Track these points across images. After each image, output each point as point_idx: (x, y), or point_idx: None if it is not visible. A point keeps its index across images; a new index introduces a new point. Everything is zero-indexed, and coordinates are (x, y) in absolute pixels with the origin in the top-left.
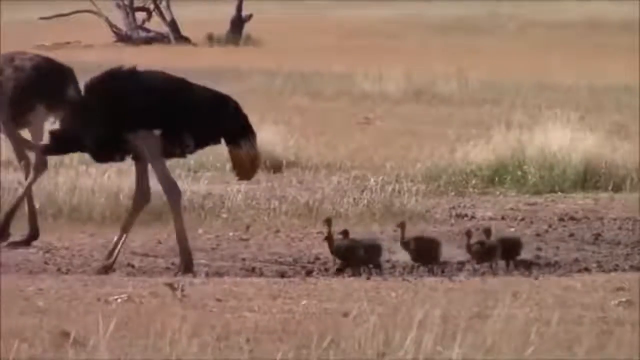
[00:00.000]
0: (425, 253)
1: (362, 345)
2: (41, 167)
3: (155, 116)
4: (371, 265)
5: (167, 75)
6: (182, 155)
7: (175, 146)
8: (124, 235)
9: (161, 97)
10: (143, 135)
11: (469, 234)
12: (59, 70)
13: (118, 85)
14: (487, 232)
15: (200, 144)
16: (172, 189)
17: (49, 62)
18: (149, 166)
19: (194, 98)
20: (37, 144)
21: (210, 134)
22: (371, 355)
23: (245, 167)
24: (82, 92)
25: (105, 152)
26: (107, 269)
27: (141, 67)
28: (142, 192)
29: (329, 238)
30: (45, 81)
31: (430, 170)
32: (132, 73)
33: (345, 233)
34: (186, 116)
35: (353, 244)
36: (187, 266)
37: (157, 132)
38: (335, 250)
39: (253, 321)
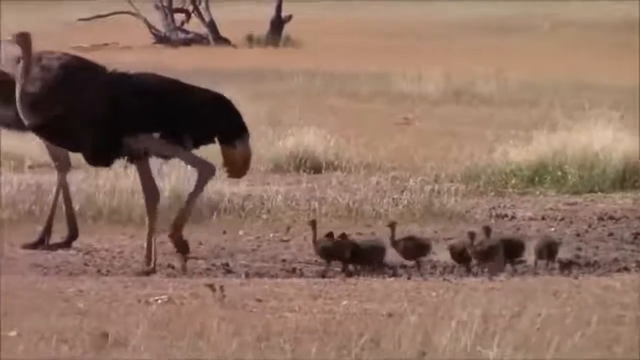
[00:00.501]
0: (415, 253)
1: (402, 345)
2: (65, 166)
3: (154, 119)
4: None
5: (161, 77)
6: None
7: (173, 147)
8: (153, 238)
9: (159, 100)
10: (143, 138)
11: (472, 235)
12: (90, 69)
13: (115, 89)
14: (487, 230)
15: (197, 144)
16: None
17: (78, 61)
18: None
19: (190, 99)
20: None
21: (207, 134)
22: (411, 355)
23: (238, 166)
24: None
25: (101, 155)
26: (149, 274)
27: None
28: (150, 192)
29: (314, 239)
30: (74, 80)
31: (469, 171)
32: (126, 76)
33: (330, 235)
34: (184, 117)
35: (337, 245)
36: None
37: (156, 134)
38: (320, 252)
39: (294, 321)
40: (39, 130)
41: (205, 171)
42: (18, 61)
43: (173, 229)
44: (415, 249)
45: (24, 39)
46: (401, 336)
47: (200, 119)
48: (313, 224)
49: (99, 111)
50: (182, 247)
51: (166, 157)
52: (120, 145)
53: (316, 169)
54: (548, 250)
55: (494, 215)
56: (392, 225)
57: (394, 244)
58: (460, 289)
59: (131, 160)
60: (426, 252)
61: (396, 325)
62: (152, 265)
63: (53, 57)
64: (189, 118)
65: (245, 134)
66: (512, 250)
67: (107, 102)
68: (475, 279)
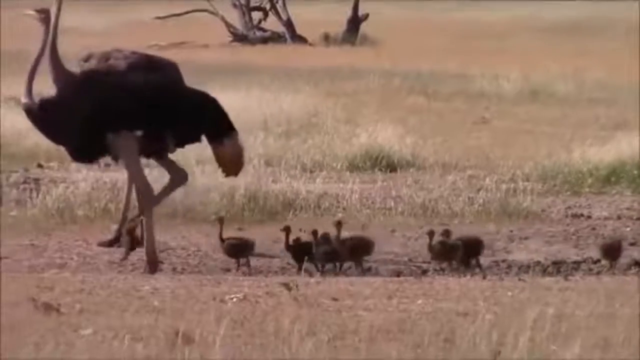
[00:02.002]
0: (359, 252)
1: (477, 344)
2: None
3: (136, 117)
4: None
5: (145, 75)
6: (163, 154)
7: (156, 146)
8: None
9: (142, 98)
10: (125, 136)
11: (430, 234)
12: (159, 67)
13: (98, 85)
14: (447, 233)
15: (181, 142)
16: (146, 190)
17: (147, 59)
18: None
19: (174, 98)
20: None
21: (191, 133)
22: (486, 354)
23: (230, 164)
24: (61, 90)
25: (84, 151)
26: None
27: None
28: (143, 186)
29: (286, 240)
30: (142, 79)
31: (546, 170)
32: (110, 74)
33: (314, 233)
34: (167, 116)
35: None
36: (152, 267)
37: (138, 132)
38: (289, 248)
39: (369, 320)
40: (28, 113)
41: (178, 178)
42: (86, 60)
43: (130, 225)
44: (360, 248)
45: (45, 16)
46: (476, 335)
47: (183, 118)
48: (286, 229)
49: (84, 107)
50: (132, 245)
51: (148, 157)
52: (104, 142)
53: (392, 167)
54: (613, 251)
55: (570, 215)
56: (338, 224)
57: (341, 243)
58: (535, 288)
59: (116, 158)
60: (371, 251)
61: (471, 324)
62: (156, 267)
63: (121, 55)
64: (171, 117)
65: (233, 132)
66: (472, 249)
67: (91, 98)
68: (550, 278)
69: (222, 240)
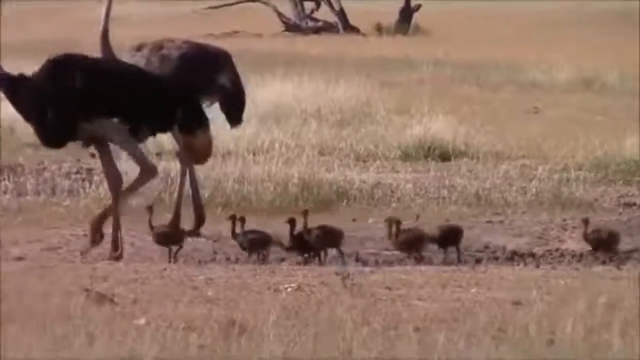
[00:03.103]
0: (328, 242)
1: (530, 333)
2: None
3: (111, 104)
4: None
5: (122, 63)
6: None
7: (130, 133)
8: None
9: (117, 86)
10: (100, 123)
11: (396, 222)
12: (211, 57)
13: (73, 71)
14: (396, 221)
15: (154, 132)
16: (115, 176)
17: (200, 49)
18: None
19: (149, 87)
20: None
21: (164, 123)
22: (539, 343)
23: (200, 153)
24: (39, 74)
25: (53, 136)
26: (117, 259)
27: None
28: (113, 176)
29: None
30: (194, 69)
31: (598, 159)
32: (85, 60)
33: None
34: (141, 105)
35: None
36: (117, 255)
37: (114, 120)
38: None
39: (422, 309)
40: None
41: (147, 172)
42: (138, 49)
43: (96, 218)
44: (327, 238)
45: None
46: (529, 324)
47: (158, 107)
48: (239, 219)
49: (56, 92)
50: (95, 238)
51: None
52: (74, 129)
53: (445, 156)
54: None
55: (622, 204)
56: (304, 214)
57: (308, 232)
58: (588, 277)
59: (86, 144)
60: (340, 241)
61: (524, 313)
62: (119, 251)
63: (173, 45)
64: (146, 106)
65: (206, 122)
66: (452, 236)
67: (63, 85)
68: (603, 267)
69: (151, 227)
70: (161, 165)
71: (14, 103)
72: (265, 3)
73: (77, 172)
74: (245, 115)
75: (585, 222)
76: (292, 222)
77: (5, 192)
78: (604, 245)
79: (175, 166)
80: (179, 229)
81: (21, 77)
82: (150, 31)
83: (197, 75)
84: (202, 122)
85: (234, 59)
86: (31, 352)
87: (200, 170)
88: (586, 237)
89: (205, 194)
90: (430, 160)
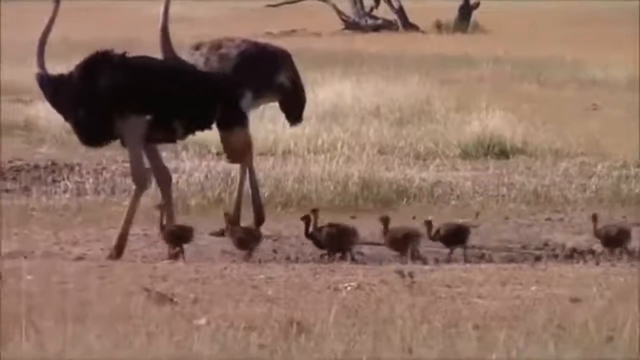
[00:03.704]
0: (335, 240)
1: (589, 331)
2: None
3: (145, 102)
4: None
5: (159, 61)
6: (171, 140)
7: (164, 132)
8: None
9: (152, 83)
10: (133, 121)
11: (385, 221)
12: (270, 55)
13: (109, 69)
14: (385, 220)
15: (191, 130)
16: (140, 177)
17: (259, 47)
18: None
19: (184, 84)
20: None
21: (202, 121)
22: (598, 340)
23: (237, 151)
24: (74, 73)
25: (92, 135)
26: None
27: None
28: (161, 172)
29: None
30: (253, 68)
31: None
32: (122, 58)
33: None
34: (177, 103)
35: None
36: (117, 252)
37: (147, 117)
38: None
39: (482, 307)
40: (40, 86)
41: (139, 182)
42: (196, 48)
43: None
44: (336, 236)
45: None
46: (588, 321)
47: (193, 105)
48: (228, 216)
49: (89, 91)
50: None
51: (156, 142)
52: (110, 127)
53: (504, 154)
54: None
55: None
56: (314, 213)
57: (317, 230)
58: None
59: (124, 143)
60: (354, 240)
61: (584, 310)
62: (177, 249)
63: (232, 44)
64: (181, 103)
65: (245, 119)
66: (459, 235)
67: (96, 82)
68: None
69: (161, 227)
70: (221, 165)
71: (53, 104)
72: (324, 1)
73: None
74: (304, 114)
75: (595, 218)
76: (307, 219)
77: (65, 192)
78: (614, 241)
79: (236, 165)
80: (188, 228)
81: (59, 77)
82: (209, 30)
83: (255, 74)
84: (240, 119)
85: (293, 58)
86: (92, 352)
87: (260, 169)
88: (596, 233)
89: (265, 193)
90: (489, 158)
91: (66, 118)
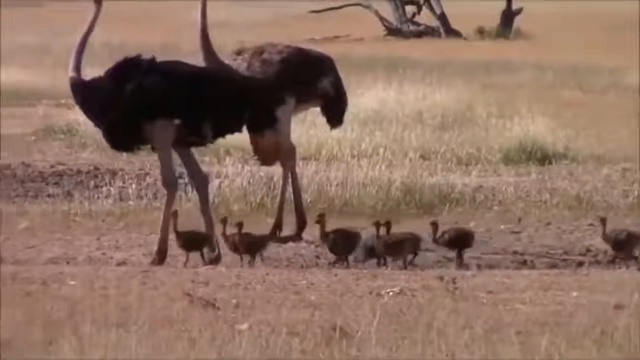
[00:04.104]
0: (342, 245)
1: (632, 336)
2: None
3: (175, 106)
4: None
5: (189, 65)
6: (202, 144)
7: (194, 135)
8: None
9: (182, 87)
10: (162, 125)
11: (377, 225)
12: (313, 61)
13: (138, 73)
14: (375, 225)
15: (221, 133)
16: (170, 181)
17: (301, 53)
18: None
19: (215, 88)
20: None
21: (231, 124)
22: None
23: (268, 154)
24: (103, 79)
25: (121, 140)
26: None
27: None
28: (199, 177)
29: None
30: (296, 73)
31: None
32: (151, 62)
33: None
34: (206, 107)
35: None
36: (160, 258)
37: (176, 121)
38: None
39: (524, 313)
40: (72, 88)
41: (170, 186)
42: (238, 54)
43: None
44: (344, 240)
45: None
46: (630, 327)
47: (221, 108)
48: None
49: (117, 95)
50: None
51: (186, 146)
52: (139, 132)
53: (546, 159)
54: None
55: None
56: (320, 217)
57: (325, 235)
58: None
59: (153, 147)
60: (355, 245)
61: (626, 316)
62: (217, 252)
63: (275, 50)
64: (210, 107)
65: (276, 122)
66: (463, 240)
67: (124, 87)
68: None
69: (176, 232)
70: (263, 170)
71: (82, 108)
72: (366, 7)
73: (180, 177)
74: (347, 119)
75: (603, 221)
76: (322, 222)
77: (107, 197)
78: (620, 246)
79: (279, 171)
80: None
81: (90, 82)
82: (251, 36)
83: (298, 80)
84: (270, 122)
85: (336, 63)
86: (134, 357)
87: (304, 174)
88: (605, 237)
89: (307, 198)
90: (531, 163)
91: (95, 123)
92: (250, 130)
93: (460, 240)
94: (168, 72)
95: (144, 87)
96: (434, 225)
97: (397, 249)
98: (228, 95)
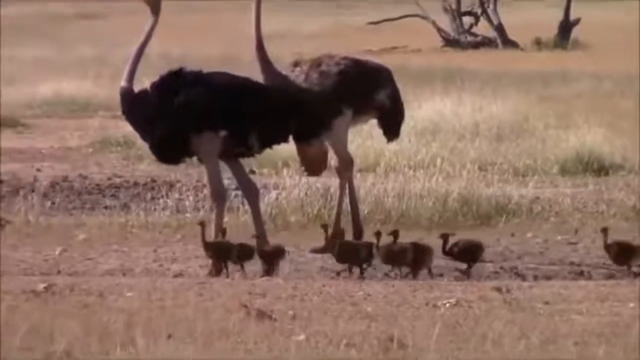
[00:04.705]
0: (349, 256)
1: None
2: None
3: (220, 118)
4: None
5: (234, 76)
6: (249, 155)
7: (240, 146)
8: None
9: (227, 99)
10: (208, 136)
11: (378, 235)
12: (371, 73)
13: (184, 86)
14: (395, 234)
15: (267, 144)
16: (218, 193)
17: (359, 65)
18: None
19: (261, 99)
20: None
21: (278, 134)
22: None
23: (314, 164)
24: (149, 91)
25: (167, 152)
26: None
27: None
28: (249, 188)
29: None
30: (353, 85)
31: None
32: (197, 75)
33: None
34: (252, 117)
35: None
36: (217, 269)
37: (222, 133)
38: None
39: (581, 324)
40: (122, 97)
41: (218, 198)
42: (295, 65)
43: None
44: (351, 252)
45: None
46: None
47: (269, 119)
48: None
49: (163, 108)
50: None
51: (233, 157)
52: (187, 143)
53: (603, 170)
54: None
55: None
56: (325, 228)
57: (331, 246)
58: None
59: (201, 160)
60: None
61: None
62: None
63: (332, 61)
64: (256, 118)
65: (322, 132)
66: (473, 252)
67: (169, 99)
68: None
69: (204, 243)
70: (321, 181)
71: (128, 119)
72: (424, 18)
73: (236, 188)
74: (404, 130)
75: (605, 232)
76: (331, 230)
77: (164, 209)
78: (621, 256)
79: (336, 182)
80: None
81: (138, 94)
82: (308, 47)
83: (356, 92)
84: (316, 132)
85: (393, 75)
86: None
87: (361, 186)
88: (606, 248)
89: (364, 210)
90: (588, 174)
91: (141, 135)
92: (296, 140)
93: (470, 253)
94: (213, 84)
95: (189, 99)
96: (444, 237)
97: (400, 259)
98: (273, 105)
